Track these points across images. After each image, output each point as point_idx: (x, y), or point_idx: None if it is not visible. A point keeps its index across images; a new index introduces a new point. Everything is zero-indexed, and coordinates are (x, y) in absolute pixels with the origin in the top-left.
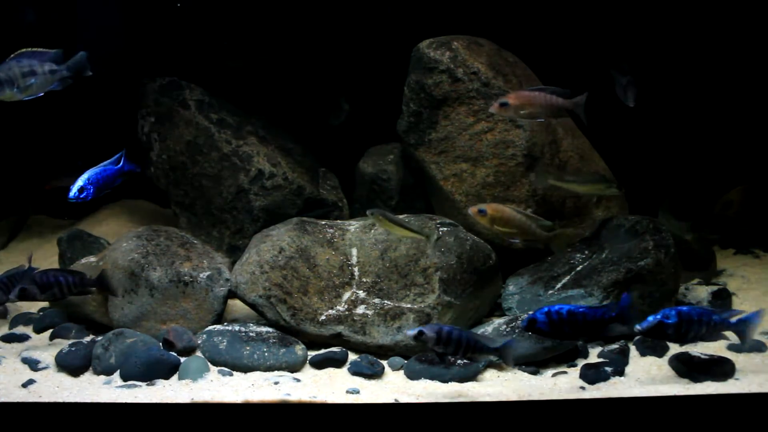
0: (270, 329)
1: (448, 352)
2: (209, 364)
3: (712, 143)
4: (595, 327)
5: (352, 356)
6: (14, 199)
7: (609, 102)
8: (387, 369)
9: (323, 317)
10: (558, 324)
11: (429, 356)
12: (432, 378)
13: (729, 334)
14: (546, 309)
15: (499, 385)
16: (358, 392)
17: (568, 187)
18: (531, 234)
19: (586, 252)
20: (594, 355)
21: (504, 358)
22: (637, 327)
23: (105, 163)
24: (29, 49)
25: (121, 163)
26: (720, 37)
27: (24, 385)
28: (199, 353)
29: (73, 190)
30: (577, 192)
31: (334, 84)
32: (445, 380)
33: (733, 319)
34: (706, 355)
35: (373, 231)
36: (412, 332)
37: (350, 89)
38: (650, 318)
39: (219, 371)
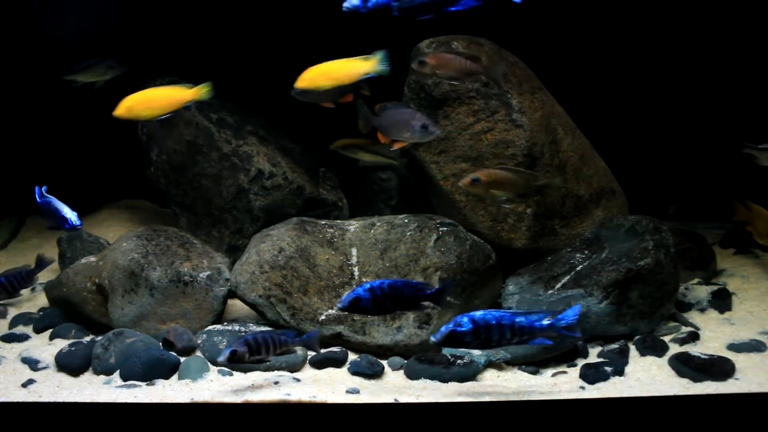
0: (270, 329)
1: (263, 358)
2: (209, 364)
3: (714, 143)
4: (411, 302)
5: (352, 356)
6: (14, 199)
7: (609, 102)
8: (387, 369)
9: (323, 317)
10: (380, 298)
11: (429, 356)
12: (432, 378)
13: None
14: (368, 285)
15: (499, 385)
16: (358, 392)
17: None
18: (525, 188)
19: (586, 252)
20: (594, 355)
21: (310, 347)
22: (432, 338)
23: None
24: None
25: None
26: (721, 36)
27: (24, 385)
28: (199, 353)
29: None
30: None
31: None
32: (444, 380)
33: (546, 322)
34: (706, 355)
35: (373, 231)
36: (224, 357)
37: None
38: (443, 328)
39: (219, 371)
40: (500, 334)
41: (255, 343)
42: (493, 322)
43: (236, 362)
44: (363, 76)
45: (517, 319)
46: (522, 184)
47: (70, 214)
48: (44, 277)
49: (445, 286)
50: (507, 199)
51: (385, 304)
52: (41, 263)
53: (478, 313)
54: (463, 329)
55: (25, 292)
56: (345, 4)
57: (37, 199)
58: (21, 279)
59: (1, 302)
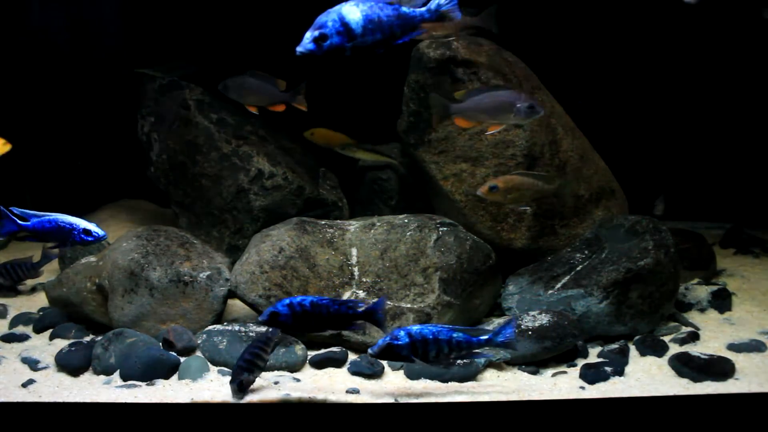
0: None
1: (262, 367)
2: (209, 364)
3: (712, 143)
4: (340, 320)
5: (352, 356)
6: (14, 199)
7: (608, 102)
8: (387, 369)
9: None
10: (301, 316)
11: None
12: (432, 378)
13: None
14: (288, 301)
15: (499, 385)
16: (357, 392)
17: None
18: (541, 192)
19: (586, 252)
20: (594, 355)
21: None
22: (370, 351)
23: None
24: None
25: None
26: (719, 37)
27: (24, 385)
28: (198, 353)
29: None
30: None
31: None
32: (444, 380)
33: (484, 337)
34: (706, 355)
35: (373, 231)
36: (237, 396)
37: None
38: (380, 341)
39: (219, 371)
40: (437, 348)
41: (250, 363)
42: (430, 336)
43: (247, 386)
44: None
45: (455, 335)
46: (539, 187)
47: (91, 226)
48: (44, 277)
49: (378, 305)
50: (525, 201)
51: (307, 322)
52: (46, 256)
53: (415, 328)
54: (399, 343)
55: (25, 292)
56: (299, 49)
57: (20, 223)
58: (25, 269)
59: (3, 295)
